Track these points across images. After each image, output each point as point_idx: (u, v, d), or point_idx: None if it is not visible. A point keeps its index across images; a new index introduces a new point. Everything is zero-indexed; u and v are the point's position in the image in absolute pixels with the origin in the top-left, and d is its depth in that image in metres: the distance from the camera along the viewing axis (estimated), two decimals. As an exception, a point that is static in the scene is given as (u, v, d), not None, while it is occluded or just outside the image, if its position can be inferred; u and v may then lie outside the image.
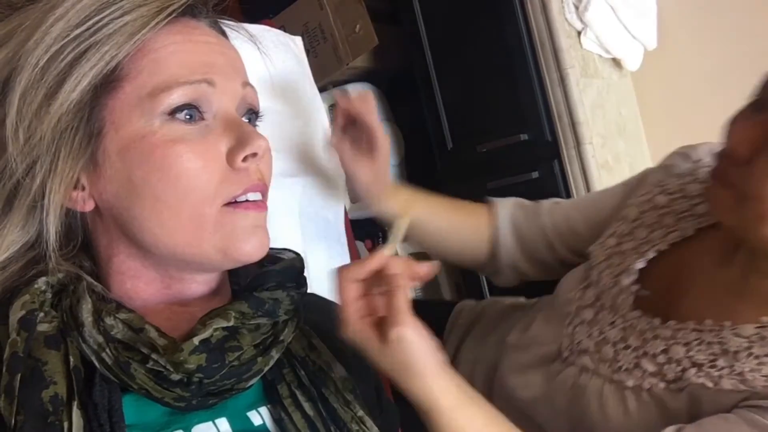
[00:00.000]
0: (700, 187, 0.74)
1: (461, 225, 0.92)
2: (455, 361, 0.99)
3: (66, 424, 0.46)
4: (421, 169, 1.90)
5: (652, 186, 0.79)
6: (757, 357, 0.61)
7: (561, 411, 0.74)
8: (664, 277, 0.72)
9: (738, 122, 0.62)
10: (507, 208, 0.92)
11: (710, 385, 0.62)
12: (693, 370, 0.64)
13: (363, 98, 0.83)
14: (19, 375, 0.46)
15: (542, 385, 0.78)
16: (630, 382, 0.68)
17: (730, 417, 0.59)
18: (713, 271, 0.69)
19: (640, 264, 0.73)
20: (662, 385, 0.66)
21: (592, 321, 0.75)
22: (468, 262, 0.95)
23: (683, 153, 0.80)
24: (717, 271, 0.69)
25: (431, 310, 1.20)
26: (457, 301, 1.12)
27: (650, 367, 0.67)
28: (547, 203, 0.92)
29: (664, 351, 0.67)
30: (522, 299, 1.04)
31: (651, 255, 0.73)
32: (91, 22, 0.50)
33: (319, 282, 0.91)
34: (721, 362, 0.62)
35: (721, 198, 0.62)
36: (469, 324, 1.03)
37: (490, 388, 0.88)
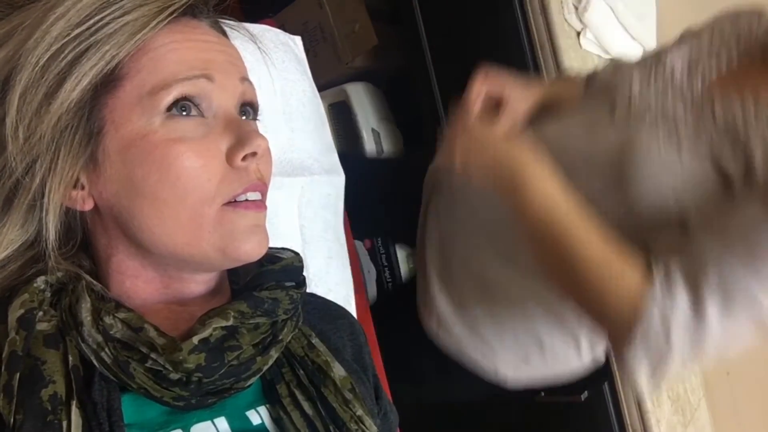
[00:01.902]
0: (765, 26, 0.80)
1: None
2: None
3: (65, 423, 0.46)
4: (420, 170, 1.90)
5: (721, 22, 0.84)
6: None
7: (599, 165, 0.79)
8: (729, 84, 0.76)
9: None
10: None
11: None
12: (750, 129, 0.68)
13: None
14: (18, 374, 0.46)
15: (582, 136, 0.84)
16: (687, 138, 0.72)
17: None
18: None
19: (714, 73, 0.77)
20: (718, 139, 0.70)
21: (654, 99, 0.79)
22: None
23: (744, 10, 0.85)
24: None
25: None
26: None
27: (709, 125, 0.71)
28: None
29: (723, 110, 0.71)
30: None
31: (724, 67, 0.77)
32: (91, 22, 0.50)
33: (319, 281, 0.91)
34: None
35: None
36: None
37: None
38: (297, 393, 0.57)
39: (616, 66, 0.97)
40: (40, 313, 0.50)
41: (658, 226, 0.72)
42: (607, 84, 0.89)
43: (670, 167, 0.72)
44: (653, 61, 0.85)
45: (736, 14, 0.86)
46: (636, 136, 0.76)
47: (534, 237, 0.74)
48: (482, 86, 0.91)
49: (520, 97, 0.93)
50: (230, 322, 0.53)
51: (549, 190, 0.73)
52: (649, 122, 0.76)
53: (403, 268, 1.92)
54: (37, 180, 0.51)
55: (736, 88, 0.75)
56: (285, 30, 1.01)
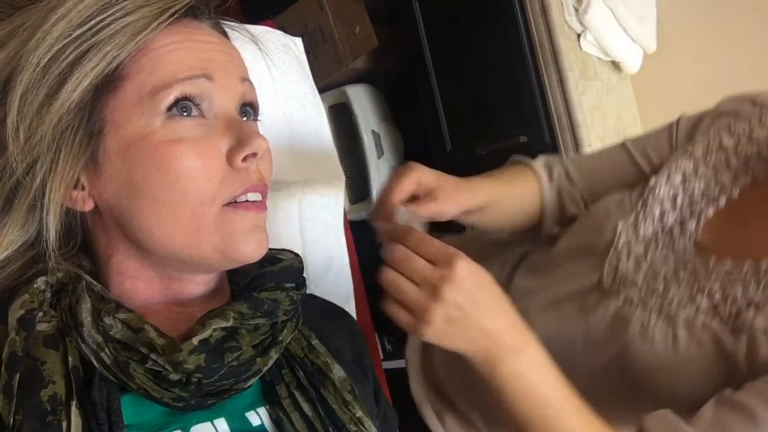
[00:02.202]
0: (766, 132, 0.73)
1: (522, 201, 0.89)
2: None
3: (65, 424, 0.46)
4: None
5: (719, 127, 0.78)
6: None
7: (597, 343, 0.72)
8: (727, 223, 0.71)
9: None
10: (554, 181, 0.90)
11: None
12: (751, 311, 0.61)
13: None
14: (18, 374, 0.46)
15: (576, 319, 0.75)
16: (682, 315, 0.65)
17: None
18: None
19: (710, 212, 0.72)
20: (717, 321, 0.63)
21: (642, 256, 0.73)
22: (528, 226, 0.93)
23: (746, 97, 0.79)
24: None
25: None
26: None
27: (705, 303, 0.64)
28: (575, 168, 0.90)
29: (721, 288, 0.64)
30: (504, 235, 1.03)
31: (722, 202, 0.72)
32: (93, 23, 0.50)
33: (319, 283, 0.91)
34: None
35: None
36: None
37: None
38: (297, 394, 0.57)
39: (594, 194, 0.87)
40: (40, 314, 0.50)
41: (661, 405, 0.64)
42: (589, 226, 0.81)
43: (665, 346, 0.65)
44: (639, 199, 0.77)
45: (735, 112, 0.79)
46: (628, 311, 0.70)
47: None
48: (408, 185, 0.69)
49: (450, 200, 0.73)
50: (230, 323, 0.53)
51: (541, 382, 0.60)
52: (640, 295, 0.70)
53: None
54: (38, 180, 0.51)
55: (735, 243, 0.68)
56: (285, 32, 1.01)
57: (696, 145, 0.77)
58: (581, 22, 1.51)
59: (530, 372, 0.59)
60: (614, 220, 0.77)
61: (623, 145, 0.87)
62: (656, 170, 0.80)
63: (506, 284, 0.87)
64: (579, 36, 1.53)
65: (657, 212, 0.75)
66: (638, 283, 0.71)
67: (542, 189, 0.89)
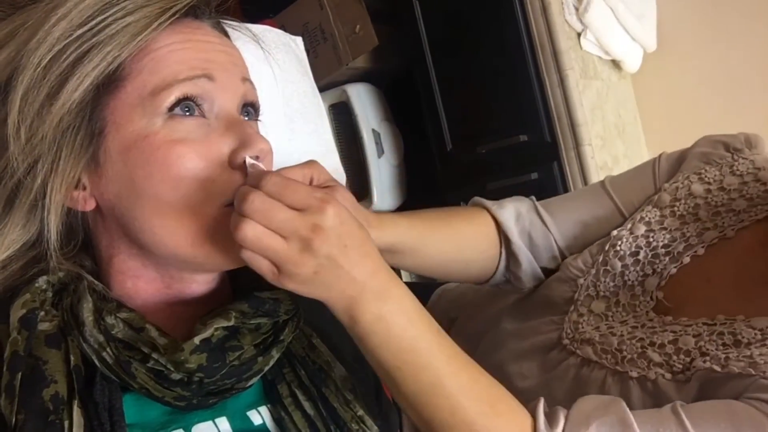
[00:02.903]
0: (738, 182, 0.72)
1: (464, 237, 0.80)
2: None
3: (66, 423, 0.46)
4: (420, 170, 1.90)
5: (689, 172, 0.75)
6: None
7: (560, 401, 0.69)
8: (689, 279, 0.70)
9: None
10: (510, 212, 0.81)
11: (718, 368, 0.59)
12: (701, 359, 0.61)
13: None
14: (20, 374, 0.46)
15: (539, 375, 0.74)
16: (634, 373, 0.65)
17: (734, 402, 0.56)
18: (739, 266, 0.67)
19: (673, 270, 0.71)
20: (668, 376, 0.63)
21: (602, 315, 0.72)
22: (474, 278, 0.84)
23: (720, 141, 0.77)
24: (744, 264, 0.67)
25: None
26: (435, 283, 1.06)
27: (656, 357, 0.64)
28: (551, 216, 0.82)
29: (673, 341, 0.64)
30: None
31: (686, 260, 0.70)
32: (93, 22, 0.50)
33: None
34: (731, 351, 0.60)
35: None
36: (452, 308, 0.97)
37: (472, 351, 0.84)
38: (298, 393, 0.57)
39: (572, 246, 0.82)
40: (42, 313, 0.50)
41: None
42: (556, 278, 0.78)
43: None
44: (600, 254, 0.75)
45: (707, 156, 0.75)
46: (586, 372, 0.69)
47: (393, 381, 0.56)
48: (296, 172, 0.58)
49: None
50: (231, 323, 0.53)
51: (409, 326, 0.55)
52: (597, 354, 0.68)
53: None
54: (39, 180, 0.51)
55: (694, 300, 0.67)
56: (285, 31, 1.01)
57: (662, 193, 0.75)
58: (581, 21, 1.51)
59: (396, 316, 0.53)
60: (575, 274, 0.76)
61: (604, 189, 0.80)
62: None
63: (497, 323, 0.84)
64: (579, 35, 1.53)
65: (618, 268, 0.73)
66: (595, 342, 0.70)
67: (506, 234, 0.80)
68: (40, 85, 0.50)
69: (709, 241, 0.70)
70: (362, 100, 1.86)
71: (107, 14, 0.50)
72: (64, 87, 0.50)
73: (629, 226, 0.75)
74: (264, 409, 0.57)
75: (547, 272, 0.82)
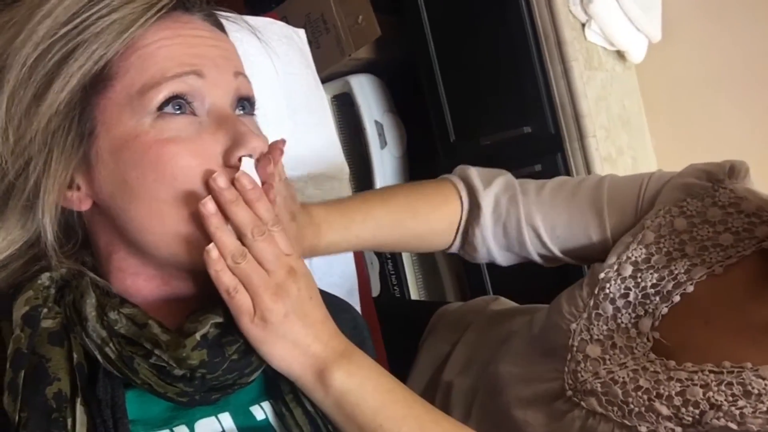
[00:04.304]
0: (721, 213, 0.70)
1: (426, 225, 0.82)
2: (447, 359, 0.93)
3: (69, 421, 0.46)
4: (423, 162, 1.90)
5: (670, 205, 0.74)
6: None
7: None
8: (685, 320, 0.68)
9: None
10: (489, 197, 0.82)
11: (735, 426, 0.58)
12: (711, 413, 0.59)
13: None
14: (23, 371, 0.46)
15: (546, 425, 0.72)
16: (643, 428, 0.63)
17: None
18: (737, 308, 0.66)
19: (665, 309, 0.69)
20: (679, 429, 0.61)
21: (599, 359, 0.70)
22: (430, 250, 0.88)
23: (704, 170, 0.75)
24: (742, 307, 0.65)
25: (408, 311, 1.15)
26: (436, 302, 1.07)
27: (664, 411, 0.62)
28: (533, 197, 0.82)
29: (680, 393, 0.62)
30: (510, 304, 0.99)
31: (676, 299, 0.69)
32: (78, 20, 0.49)
33: (322, 275, 0.91)
34: (742, 403, 0.59)
35: None
36: (453, 328, 0.97)
37: (477, 388, 0.84)
38: (299, 389, 0.57)
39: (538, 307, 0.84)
40: (45, 310, 0.50)
41: None
42: (548, 326, 0.77)
43: None
44: (591, 297, 0.73)
45: (688, 188, 0.73)
46: (592, 424, 0.67)
47: None
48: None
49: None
50: (221, 318, 0.53)
51: (377, 380, 0.55)
52: (602, 406, 0.67)
53: (407, 259, 1.92)
54: (31, 182, 0.51)
55: (695, 343, 0.66)
56: (287, 22, 1.01)
57: (646, 231, 0.73)
58: (586, 12, 1.50)
59: (365, 370, 0.54)
60: (568, 320, 0.74)
61: (600, 191, 0.79)
62: (614, 237, 0.77)
63: (499, 359, 0.83)
64: (584, 26, 1.52)
65: (610, 311, 0.72)
66: (598, 393, 0.68)
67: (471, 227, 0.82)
68: (26, 85, 0.49)
69: (698, 278, 0.68)
70: (365, 91, 1.86)
71: (92, 11, 0.49)
72: (51, 87, 0.49)
73: (616, 265, 0.73)
74: (266, 404, 0.57)
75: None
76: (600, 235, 0.78)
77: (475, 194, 0.82)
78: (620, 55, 1.65)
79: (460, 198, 0.83)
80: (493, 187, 0.82)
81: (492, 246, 0.83)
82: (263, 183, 0.54)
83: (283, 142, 0.59)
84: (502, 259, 0.85)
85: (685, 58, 1.68)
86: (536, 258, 0.83)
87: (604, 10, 1.49)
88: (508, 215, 0.81)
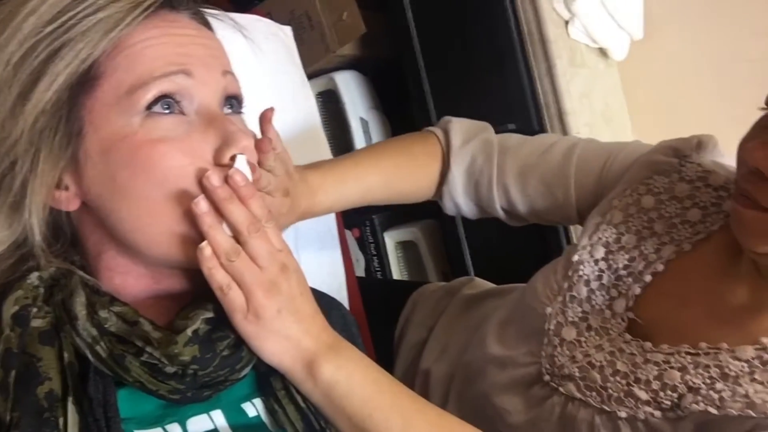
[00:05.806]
0: (689, 188, 0.69)
1: (412, 179, 0.87)
2: (425, 346, 0.94)
3: (61, 420, 0.46)
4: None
5: (636, 183, 0.73)
6: (761, 383, 0.57)
7: None
8: (659, 300, 0.68)
9: (757, 141, 0.56)
10: (465, 155, 0.86)
11: (714, 411, 0.57)
12: (690, 396, 0.59)
13: None
14: (14, 371, 0.46)
15: (525, 411, 0.72)
16: (623, 413, 0.63)
17: None
18: (709, 287, 0.65)
19: (638, 290, 0.69)
20: (658, 414, 0.61)
21: (574, 342, 0.70)
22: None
23: (670, 146, 0.74)
24: (714, 285, 0.65)
25: (388, 290, 1.17)
26: (415, 282, 1.08)
27: (643, 395, 0.62)
28: (510, 155, 0.84)
29: (658, 377, 0.62)
30: (485, 285, 1.00)
31: (648, 278, 0.68)
32: (63, 18, 0.49)
33: (311, 273, 0.91)
34: (720, 386, 0.58)
35: (758, 223, 0.55)
36: (430, 313, 0.98)
37: (453, 375, 0.85)
38: (291, 386, 0.57)
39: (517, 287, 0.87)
40: (35, 310, 0.50)
41: None
42: (523, 311, 0.77)
43: None
44: (564, 280, 0.73)
45: (654, 164, 0.73)
46: (572, 410, 0.67)
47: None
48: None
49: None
50: (211, 314, 0.53)
51: (367, 371, 0.57)
52: (580, 391, 0.67)
53: (392, 256, 1.93)
54: (18, 182, 0.50)
55: (670, 323, 0.66)
56: (272, 18, 1.00)
57: (614, 210, 0.73)
58: (569, 10, 1.51)
59: (353, 362, 0.56)
60: (543, 303, 0.74)
61: (569, 159, 0.81)
62: (581, 209, 0.79)
63: (477, 344, 0.83)
64: (567, 23, 1.53)
65: (584, 293, 0.72)
66: (576, 378, 0.68)
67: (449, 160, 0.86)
68: (11, 84, 0.49)
69: (667, 257, 0.68)
70: (350, 88, 1.86)
71: (78, 10, 0.49)
72: (37, 86, 0.49)
73: (588, 248, 0.73)
74: (258, 401, 0.57)
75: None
76: (565, 199, 0.81)
77: (449, 153, 0.86)
78: (603, 52, 1.66)
79: (442, 154, 0.88)
80: (471, 145, 0.86)
81: (460, 201, 0.87)
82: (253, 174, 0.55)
83: (271, 110, 0.61)
84: (470, 212, 0.90)
85: (667, 56, 1.69)
86: (501, 215, 0.87)
87: (587, 8, 1.50)
88: (481, 174, 0.85)
